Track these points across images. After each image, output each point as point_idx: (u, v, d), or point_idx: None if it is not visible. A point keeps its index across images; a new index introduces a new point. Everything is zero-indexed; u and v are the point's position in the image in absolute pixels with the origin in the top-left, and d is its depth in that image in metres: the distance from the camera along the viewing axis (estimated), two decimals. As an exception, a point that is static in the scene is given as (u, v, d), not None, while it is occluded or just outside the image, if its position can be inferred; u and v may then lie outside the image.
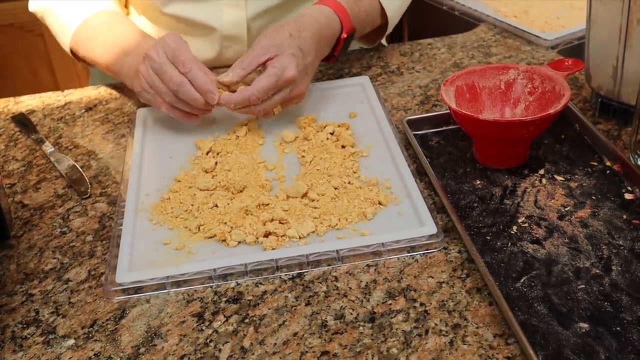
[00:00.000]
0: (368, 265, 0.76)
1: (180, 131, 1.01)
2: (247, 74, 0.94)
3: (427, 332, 0.68)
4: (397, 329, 0.68)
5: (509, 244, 0.76)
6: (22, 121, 1.10)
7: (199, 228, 0.82)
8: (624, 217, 0.79)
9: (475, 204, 0.83)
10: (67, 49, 1.13)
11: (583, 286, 0.70)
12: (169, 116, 0.98)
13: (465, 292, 0.72)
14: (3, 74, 2.30)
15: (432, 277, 0.74)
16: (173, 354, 0.68)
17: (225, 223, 0.81)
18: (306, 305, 0.72)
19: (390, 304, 0.71)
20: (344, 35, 1.01)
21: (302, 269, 0.76)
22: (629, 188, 0.83)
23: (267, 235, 0.79)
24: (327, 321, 0.70)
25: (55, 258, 0.82)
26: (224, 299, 0.74)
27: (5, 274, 0.80)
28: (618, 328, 0.65)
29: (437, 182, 0.84)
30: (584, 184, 0.84)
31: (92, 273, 0.79)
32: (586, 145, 0.91)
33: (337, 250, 0.77)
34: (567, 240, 0.76)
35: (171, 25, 1.19)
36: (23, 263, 0.81)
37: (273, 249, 0.78)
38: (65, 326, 0.72)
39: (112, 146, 1.02)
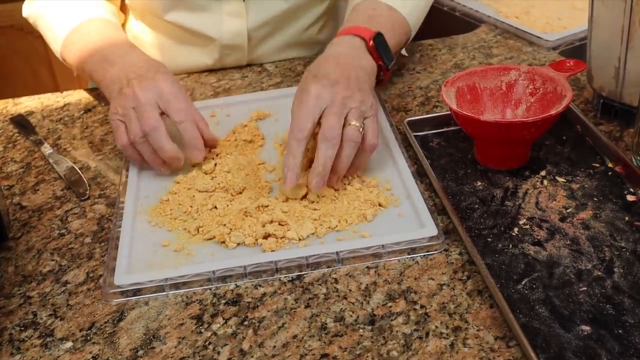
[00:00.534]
0: (368, 267, 0.76)
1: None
2: (307, 140, 0.83)
3: (427, 334, 0.67)
4: (397, 332, 0.68)
5: (510, 246, 0.76)
6: (21, 122, 1.10)
7: (198, 230, 0.81)
8: (626, 218, 0.78)
9: (476, 206, 0.82)
10: (59, 55, 1.10)
11: (585, 288, 0.70)
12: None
13: (466, 295, 0.71)
14: (3, 75, 2.30)
15: (433, 279, 0.73)
16: (172, 357, 0.67)
17: (225, 225, 0.81)
18: (306, 307, 0.71)
19: (391, 306, 0.71)
20: (370, 42, 0.93)
21: (301, 271, 0.76)
22: (631, 190, 0.83)
23: (266, 237, 0.79)
24: (326, 323, 0.69)
25: (53, 260, 0.81)
26: (223, 301, 0.73)
27: (3, 276, 0.80)
28: (620, 331, 0.65)
29: (437, 184, 0.84)
30: (586, 186, 0.84)
31: (91, 275, 0.79)
32: (588, 147, 0.91)
33: (337, 252, 0.76)
34: (568, 242, 0.76)
35: (171, 33, 1.18)
36: (21, 265, 0.81)
37: (272, 250, 0.77)
38: (63, 329, 0.72)
39: (111, 147, 1.02)
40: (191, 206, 0.85)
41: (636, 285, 0.69)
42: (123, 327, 0.71)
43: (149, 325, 0.71)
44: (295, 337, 0.68)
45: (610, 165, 0.87)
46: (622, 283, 0.70)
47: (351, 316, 0.70)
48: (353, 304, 0.71)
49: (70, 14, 1.08)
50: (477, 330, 0.67)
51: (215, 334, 0.69)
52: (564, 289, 0.70)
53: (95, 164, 0.98)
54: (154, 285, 0.75)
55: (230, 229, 0.80)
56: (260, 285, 0.75)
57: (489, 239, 0.77)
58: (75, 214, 0.88)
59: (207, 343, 0.68)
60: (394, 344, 0.66)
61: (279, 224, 0.80)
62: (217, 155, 0.94)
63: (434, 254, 0.77)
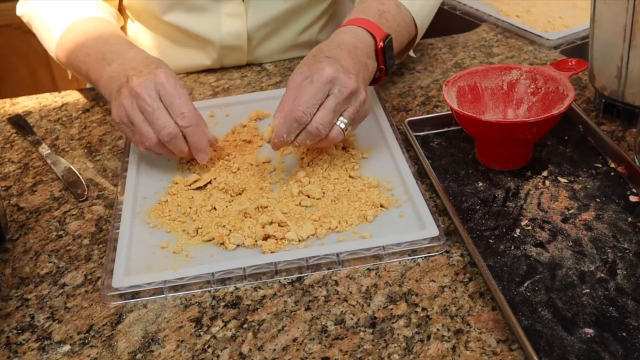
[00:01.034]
0: (369, 269, 0.75)
1: None
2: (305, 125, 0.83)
3: (429, 337, 0.66)
4: (398, 335, 0.67)
5: (512, 247, 0.75)
6: (19, 123, 1.09)
7: (197, 231, 0.81)
8: (629, 219, 0.78)
9: (478, 207, 0.81)
10: (53, 54, 1.08)
11: (588, 290, 0.69)
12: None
13: (468, 297, 0.70)
14: (1, 75, 2.29)
15: (434, 281, 0.73)
16: (170, 360, 0.67)
17: (224, 226, 0.80)
18: (306, 310, 0.71)
19: (392, 309, 0.70)
20: (380, 45, 0.92)
21: (301, 273, 0.75)
22: (634, 190, 0.82)
23: (266, 238, 0.78)
24: (327, 326, 0.69)
25: (51, 262, 0.81)
26: (223, 304, 0.72)
27: (0, 278, 0.79)
28: (624, 334, 0.64)
29: (438, 184, 0.83)
30: (588, 186, 0.83)
31: (89, 277, 0.78)
32: (590, 147, 0.90)
33: (337, 254, 0.75)
34: (571, 244, 0.75)
35: (169, 34, 1.18)
36: (18, 267, 0.80)
37: (272, 252, 0.76)
38: (60, 332, 0.71)
39: (110, 148, 1.01)
40: (190, 207, 0.84)
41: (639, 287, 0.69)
42: (121, 330, 0.70)
43: (147, 328, 0.70)
44: (295, 340, 0.67)
45: (612, 165, 0.86)
46: (625, 285, 0.69)
47: (352, 319, 0.69)
48: (354, 306, 0.71)
49: (67, 12, 1.06)
50: (479, 333, 0.66)
51: (214, 337, 0.69)
52: (567, 291, 0.69)
53: (93, 165, 0.97)
54: (153, 288, 0.74)
55: (230, 230, 0.79)
56: (259, 288, 0.74)
57: (491, 241, 0.76)
58: (73, 215, 0.88)
59: (206, 346, 0.68)
60: (395, 347, 0.66)
61: (279, 225, 0.80)
62: (227, 155, 0.92)
63: (435, 255, 0.76)
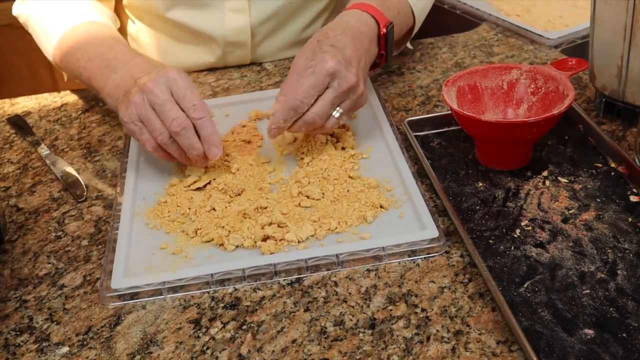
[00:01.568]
0: (368, 270, 0.75)
1: None
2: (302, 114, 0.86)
3: (428, 338, 0.66)
4: (398, 336, 0.67)
5: (512, 248, 0.75)
6: (18, 123, 1.09)
7: (196, 232, 0.80)
8: (630, 219, 0.77)
9: (478, 207, 0.81)
10: (50, 57, 1.06)
11: (588, 291, 0.69)
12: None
13: (468, 298, 0.70)
14: (2, 75, 2.29)
15: (434, 282, 0.72)
16: (169, 362, 0.66)
17: (223, 227, 0.80)
18: (305, 311, 0.71)
19: (391, 310, 0.70)
20: (383, 30, 0.94)
21: (301, 274, 0.75)
22: (634, 190, 0.82)
23: (265, 239, 0.78)
24: (326, 327, 0.68)
25: (50, 263, 0.80)
26: (222, 305, 0.72)
27: (-1, 279, 0.79)
28: (624, 334, 0.64)
29: (438, 185, 0.83)
30: (588, 186, 0.83)
31: (88, 278, 0.78)
32: (590, 147, 0.90)
33: (336, 255, 0.75)
34: (571, 244, 0.75)
35: (172, 32, 1.17)
36: (17, 268, 0.80)
37: (271, 253, 0.76)
38: (59, 333, 0.71)
39: (109, 148, 1.01)
40: (189, 208, 0.84)
41: (640, 288, 0.69)
42: (120, 332, 0.70)
43: (146, 329, 0.70)
44: (294, 341, 0.67)
45: (613, 165, 0.86)
46: (625, 285, 0.69)
47: (351, 320, 0.69)
48: (353, 307, 0.70)
49: (66, 15, 1.04)
50: (479, 334, 0.66)
51: (213, 338, 0.69)
52: (567, 291, 0.69)
53: (92, 165, 0.97)
54: (152, 289, 0.74)
55: (229, 231, 0.79)
56: (259, 289, 0.74)
57: (491, 241, 0.76)
58: (72, 216, 0.88)
59: (205, 348, 0.68)
60: (394, 348, 0.65)
61: (278, 226, 0.79)
62: (227, 155, 0.92)
63: (435, 256, 0.76)
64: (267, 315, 0.70)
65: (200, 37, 1.16)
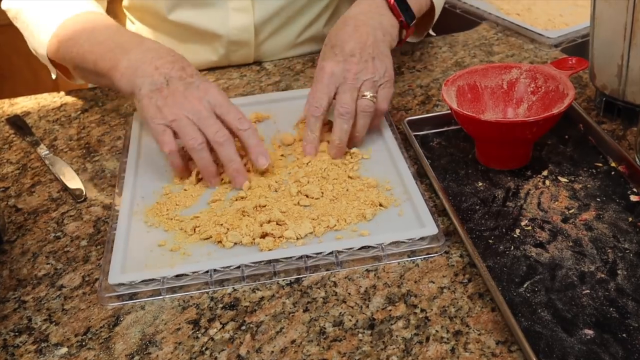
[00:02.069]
0: (368, 270, 0.75)
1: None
2: (323, 115, 0.90)
3: (428, 339, 0.66)
4: (397, 336, 0.66)
5: (512, 248, 0.75)
6: (17, 123, 1.09)
7: (194, 229, 0.80)
8: (630, 219, 0.77)
9: (477, 207, 0.81)
10: (43, 49, 1.03)
11: (588, 291, 0.68)
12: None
13: (467, 298, 0.70)
14: (3, 75, 2.29)
15: (433, 282, 0.72)
16: (168, 363, 0.66)
17: (222, 224, 0.80)
18: (304, 311, 0.70)
19: (390, 310, 0.69)
20: (392, 1, 0.97)
21: (300, 274, 0.75)
22: (635, 189, 0.81)
23: (264, 236, 0.78)
24: (325, 328, 0.68)
25: (49, 263, 0.80)
26: (220, 305, 0.72)
27: (-3, 280, 0.79)
28: (624, 335, 0.64)
29: (438, 184, 0.83)
30: (589, 186, 0.83)
31: (87, 279, 0.78)
32: (590, 146, 0.90)
33: (336, 255, 0.75)
34: (571, 244, 0.74)
35: (174, 33, 1.17)
36: (16, 269, 0.80)
37: (270, 250, 0.76)
38: (58, 334, 0.71)
39: (108, 149, 1.01)
40: (187, 206, 0.84)
41: (640, 288, 0.68)
42: (119, 332, 0.70)
43: (145, 330, 0.70)
44: (293, 342, 0.67)
45: (613, 164, 0.86)
46: (625, 285, 0.69)
47: (350, 320, 0.69)
48: (352, 307, 0.70)
49: (64, 5, 1.02)
50: (479, 335, 0.66)
51: (212, 339, 0.68)
52: (567, 291, 0.69)
53: (92, 166, 0.97)
54: (150, 289, 0.74)
55: (228, 229, 0.79)
56: (258, 289, 0.74)
57: (490, 241, 0.76)
58: (71, 216, 0.87)
59: (204, 348, 0.67)
60: (393, 348, 0.65)
61: (277, 224, 0.79)
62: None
63: (434, 256, 0.76)
64: (266, 315, 0.70)
65: (203, 37, 1.16)
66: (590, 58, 0.95)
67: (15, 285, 0.78)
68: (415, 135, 0.93)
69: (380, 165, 0.89)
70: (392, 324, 0.68)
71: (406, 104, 1.04)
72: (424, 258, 0.75)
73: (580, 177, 0.84)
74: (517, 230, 0.77)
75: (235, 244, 0.78)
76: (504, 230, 0.77)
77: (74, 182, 0.93)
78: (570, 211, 0.79)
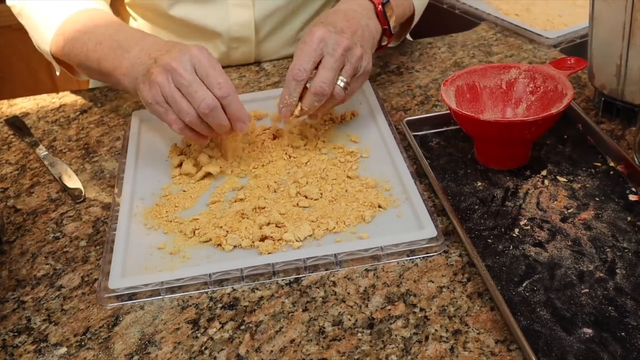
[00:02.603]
0: (367, 270, 0.75)
1: (176, 133, 0.99)
2: (305, 81, 0.87)
3: (427, 338, 0.66)
4: (396, 335, 0.66)
5: (511, 247, 0.75)
6: (16, 124, 1.09)
7: (194, 232, 0.80)
8: (629, 218, 0.77)
9: (476, 206, 0.81)
10: (47, 45, 1.04)
11: (587, 290, 0.68)
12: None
13: (466, 297, 0.70)
14: (2, 76, 2.29)
15: (432, 282, 0.72)
16: (167, 362, 0.66)
17: (221, 227, 0.80)
18: (303, 311, 0.70)
19: (390, 310, 0.69)
20: (379, 7, 0.97)
21: (299, 274, 0.75)
22: (633, 189, 0.81)
23: (263, 239, 0.78)
24: (324, 327, 0.68)
25: (48, 264, 0.80)
26: (220, 305, 0.72)
27: (-3, 280, 0.79)
28: (623, 333, 0.64)
29: (437, 184, 0.83)
30: (587, 185, 0.83)
31: (86, 279, 0.78)
32: (589, 146, 0.90)
33: (335, 255, 0.75)
34: (570, 243, 0.74)
35: (176, 29, 1.17)
36: (15, 269, 0.80)
37: (269, 253, 0.76)
38: (57, 334, 0.71)
39: (107, 149, 1.01)
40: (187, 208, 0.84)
41: (639, 287, 0.68)
42: (118, 332, 0.70)
43: (144, 330, 0.70)
44: (292, 341, 0.67)
45: (612, 164, 0.86)
46: (624, 284, 0.69)
47: (349, 320, 0.69)
48: (351, 307, 0.70)
49: (67, 2, 1.02)
50: (478, 334, 0.66)
51: (211, 338, 0.68)
52: (566, 291, 0.69)
53: (90, 166, 0.97)
54: (150, 290, 0.74)
55: (227, 232, 0.79)
56: (257, 289, 0.74)
57: (489, 240, 0.76)
58: (70, 216, 0.87)
59: (203, 348, 0.67)
60: (393, 348, 0.65)
61: (276, 226, 0.79)
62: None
63: (433, 255, 0.76)
64: (266, 315, 0.70)
65: (204, 33, 1.16)
66: (589, 58, 0.95)
67: (14, 285, 0.78)
68: (414, 136, 0.93)
69: (379, 165, 0.89)
70: (391, 324, 0.68)
71: (405, 104, 1.04)
72: (423, 257, 0.75)
73: (579, 177, 0.84)
74: (516, 230, 0.77)
75: (235, 247, 0.78)
76: (503, 229, 0.77)
77: (73, 182, 0.93)
78: (569, 211, 0.79)
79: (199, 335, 0.69)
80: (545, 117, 0.80)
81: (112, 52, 0.93)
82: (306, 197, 0.83)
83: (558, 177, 0.84)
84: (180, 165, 0.91)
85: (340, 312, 0.70)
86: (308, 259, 0.75)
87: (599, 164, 0.86)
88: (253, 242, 0.77)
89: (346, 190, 0.84)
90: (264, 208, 0.82)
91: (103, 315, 0.72)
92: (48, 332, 0.71)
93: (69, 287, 0.77)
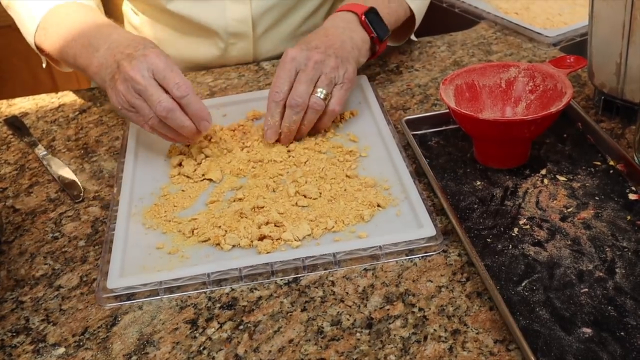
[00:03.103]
0: (366, 269, 0.74)
1: None
2: (283, 101, 0.91)
3: (425, 338, 0.66)
4: (395, 335, 0.66)
5: (510, 247, 0.74)
6: (15, 124, 1.09)
7: (192, 232, 0.80)
8: (628, 217, 0.77)
9: (476, 206, 0.81)
10: (31, 38, 1.04)
11: (586, 290, 0.68)
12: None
13: (465, 297, 0.70)
14: (2, 76, 2.29)
15: (431, 281, 0.72)
16: (165, 363, 0.66)
17: (220, 226, 0.80)
18: (302, 311, 0.70)
19: (388, 309, 0.69)
20: (363, 17, 0.99)
21: (298, 274, 0.75)
22: (633, 188, 0.81)
23: (262, 238, 0.78)
24: (323, 327, 0.68)
25: (46, 264, 0.80)
26: (218, 305, 0.72)
27: (-5, 280, 0.79)
28: (622, 333, 0.63)
29: (436, 183, 0.83)
30: (587, 184, 0.83)
31: (84, 279, 0.77)
32: (589, 145, 0.89)
33: (334, 254, 0.75)
34: (569, 242, 0.74)
35: (174, 24, 1.17)
36: (14, 269, 0.80)
37: (268, 252, 0.76)
38: (55, 334, 0.71)
39: (106, 149, 1.00)
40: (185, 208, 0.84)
41: (638, 286, 0.68)
42: (116, 332, 0.70)
43: (142, 330, 0.70)
44: (291, 341, 0.67)
45: (611, 163, 0.85)
46: (624, 284, 0.69)
47: (348, 320, 0.69)
48: (350, 307, 0.70)
49: None
50: (477, 334, 0.66)
51: (210, 338, 0.68)
52: (565, 290, 0.68)
53: (89, 166, 0.97)
54: (148, 290, 0.74)
55: (226, 231, 0.79)
56: (255, 289, 0.74)
57: (489, 240, 0.76)
58: (69, 216, 0.87)
59: (201, 348, 0.67)
60: (391, 348, 0.65)
61: (275, 226, 0.79)
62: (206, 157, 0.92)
63: (432, 255, 0.75)
64: (264, 315, 0.70)
65: (202, 29, 1.16)
66: (589, 56, 0.95)
67: (13, 285, 0.78)
68: (413, 135, 0.93)
69: (378, 164, 0.89)
70: (390, 323, 0.68)
71: (404, 103, 1.04)
72: (422, 257, 0.75)
73: (579, 176, 0.84)
74: (516, 229, 0.77)
75: (234, 246, 0.78)
76: (502, 229, 0.77)
77: (71, 182, 0.92)
78: (569, 210, 0.79)
79: (197, 335, 0.69)
80: (545, 116, 0.80)
81: (85, 49, 0.95)
82: (305, 197, 0.83)
83: (557, 176, 0.84)
84: (179, 164, 0.91)
85: (338, 312, 0.70)
86: (307, 258, 0.75)
87: (598, 163, 0.86)
88: (252, 241, 0.77)
89: (345, 190, 0.84)
90: (262, 207, 0.81)
91: (101, 315, 0.72)
92: (46, 332, 0.71)
93: (68, 287, 0.77)
